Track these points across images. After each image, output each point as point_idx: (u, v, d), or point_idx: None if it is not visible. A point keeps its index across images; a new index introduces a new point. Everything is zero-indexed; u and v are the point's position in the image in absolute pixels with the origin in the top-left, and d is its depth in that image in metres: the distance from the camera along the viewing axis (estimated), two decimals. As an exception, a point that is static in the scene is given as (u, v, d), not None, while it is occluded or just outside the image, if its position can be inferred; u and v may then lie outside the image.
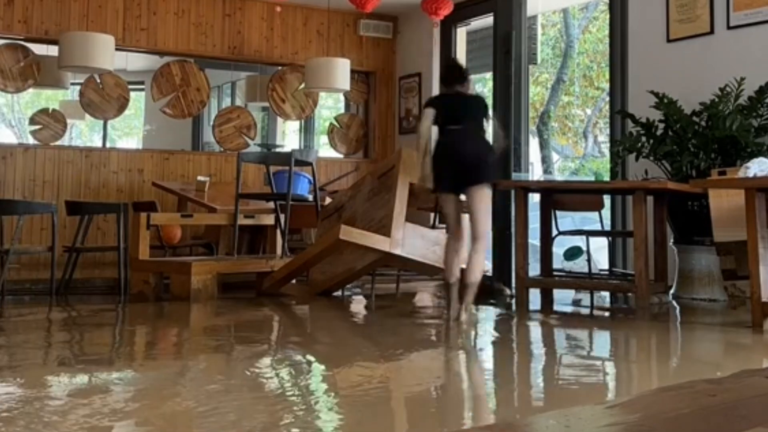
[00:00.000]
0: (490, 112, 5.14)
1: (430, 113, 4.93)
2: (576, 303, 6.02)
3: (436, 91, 8.90)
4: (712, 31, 6.18)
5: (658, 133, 5.86)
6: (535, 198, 6.47)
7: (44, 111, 8.22)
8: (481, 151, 4.88)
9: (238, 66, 9.97)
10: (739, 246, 4.66)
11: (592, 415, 2.64)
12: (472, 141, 4.89)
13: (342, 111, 10.03)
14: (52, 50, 7.63)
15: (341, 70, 8.09)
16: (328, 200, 6.70)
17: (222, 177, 8.33)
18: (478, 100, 5.22)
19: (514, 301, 5.81)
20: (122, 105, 8.28)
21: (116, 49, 7.48)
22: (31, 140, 8.19)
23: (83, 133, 16.17)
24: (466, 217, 4.99)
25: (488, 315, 5.85)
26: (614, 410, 2.72)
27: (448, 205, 4.98)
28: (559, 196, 6.10)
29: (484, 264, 4.95)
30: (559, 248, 6.80)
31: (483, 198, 4.81)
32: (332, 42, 8.93)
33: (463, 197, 4.95)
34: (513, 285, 5.97)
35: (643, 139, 5.90)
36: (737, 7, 6.03)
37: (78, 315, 5.53)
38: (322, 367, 3.74)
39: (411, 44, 9.14)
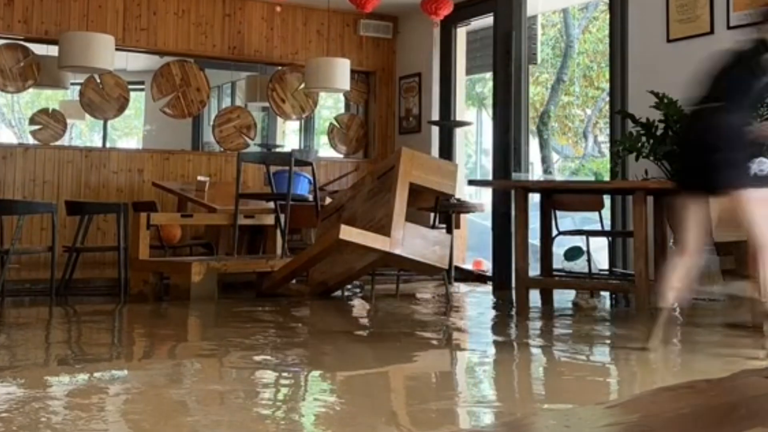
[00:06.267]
0: None
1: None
2: (576, 305, 6.02)
3: (436, 90, 8.90)
4: (712, 31, 6.17)
5: (658, 133, 5.85)
6: (535, 198, 6.47)
7: (44, 111, 8.22)
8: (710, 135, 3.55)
9: (238, 66, 9.97)
10: (739, 246, 4.66)
11: (592, 415, 2.64)
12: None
13: (342, 111, 10.03)
14: (52, 50, 7.62)
15: (341, 70, 8.08)
16: (328, 200, 6.70)
17: (222, 177, 8.33)
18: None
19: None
20: (122, 105, 8.27)
21: (116, 49, 7.48)
22: (31, 140, 8.19)
23: (83, 133, 16.17)
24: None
25: (487, 315, 5.85)
26: (614, 410, 2.73)
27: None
28: (559, 196, 6.10)
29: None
30: (559, 248, 6.80)
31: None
32: (332, 42, 8.93)
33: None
34: (513, 285, 5.96)
35: (643, 139, 5.89)
36: (737, 7, 6.02)
37: (78, 315, 5.53)
38: (322, 367, 3.74)
39: (411, 44, 9.14)
